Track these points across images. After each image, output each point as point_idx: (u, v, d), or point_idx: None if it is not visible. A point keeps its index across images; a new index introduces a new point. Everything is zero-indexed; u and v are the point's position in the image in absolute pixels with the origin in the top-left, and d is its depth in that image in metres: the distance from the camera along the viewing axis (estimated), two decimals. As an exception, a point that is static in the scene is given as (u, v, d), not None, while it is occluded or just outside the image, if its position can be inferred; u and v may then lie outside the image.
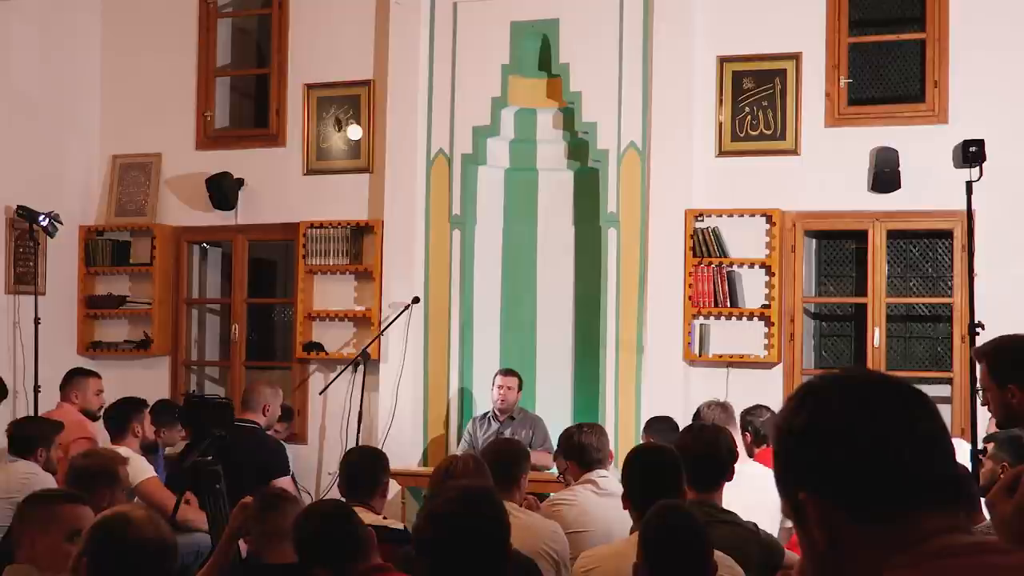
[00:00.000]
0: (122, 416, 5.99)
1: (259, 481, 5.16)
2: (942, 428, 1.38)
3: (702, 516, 3.69)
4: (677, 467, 3.68)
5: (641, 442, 5.89)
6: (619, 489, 3.85)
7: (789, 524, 4.68)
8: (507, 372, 7.46)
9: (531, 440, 7.21)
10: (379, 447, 7.24)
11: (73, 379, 6.78)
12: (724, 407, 5.62)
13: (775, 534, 4.33)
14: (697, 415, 5.54)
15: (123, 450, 5.33)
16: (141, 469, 5.59)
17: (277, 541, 3.53)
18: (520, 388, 7.45)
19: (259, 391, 6.01)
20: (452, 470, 3.68)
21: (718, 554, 3.45)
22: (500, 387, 7.37)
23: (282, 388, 6.46)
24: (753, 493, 4.30)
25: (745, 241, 7.33)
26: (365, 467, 4.41)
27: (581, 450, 4.64)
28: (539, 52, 7.74)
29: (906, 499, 1.32)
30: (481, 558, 2.67)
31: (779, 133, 7.33)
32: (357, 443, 7.36)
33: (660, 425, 5.88)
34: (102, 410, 6.62)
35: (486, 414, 7.47)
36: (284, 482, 5.62)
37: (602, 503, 4.39)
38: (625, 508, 3.65)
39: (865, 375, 1.44)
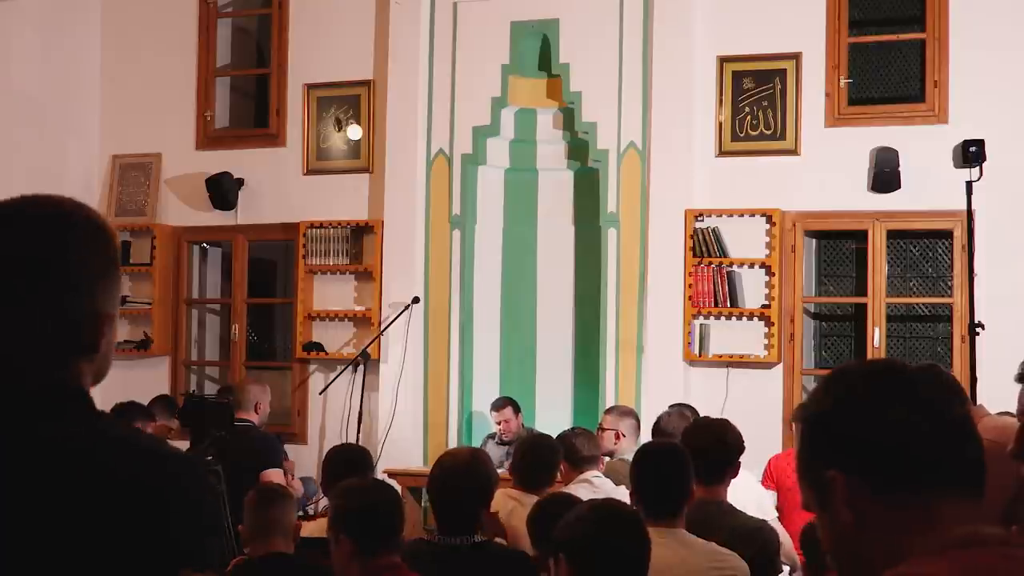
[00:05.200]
0: (130, 420, 5.96)
1: (256, 478, 5.20)
2: (972, 414, 1.39)
3: (701, 517, 3.68)
4: (687, 465, 3.66)
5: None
6: (612, 488, 3.86)
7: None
8: (500, 406, 7.27)
9: None
10: (378, 447, 7.25)
11: None
12: (683, 414, 5.55)
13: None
14: (657, 424, 5.44)
15: None
16: None
17: (267, 534, 3.58)
18: (517, 412, 7.25)
19: (248, 390, 6.03)
20: (447, 463, 3.68)
21: (724, 552, 3.45)
22: (498, 422, 7.25)
23: (282, 388, 6.45)
24: (736, 492, 4.32)
25: (745, 241, 7.33)
26: (338, 465, 4.40)
27: (571, 449, 4.89)
28: (539, 52, 7.74)
29: (934, 482, 1.32)
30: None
31: (779, 133, 7.33)
32: (358, 443, 7.35)
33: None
34: None
35: (494, 434, 7.37)
36: (273, 474, 5.62)
37: (597, 500, 4.40)
38: (634, 506, 3.64)
39: (894, 362, 1.44)
